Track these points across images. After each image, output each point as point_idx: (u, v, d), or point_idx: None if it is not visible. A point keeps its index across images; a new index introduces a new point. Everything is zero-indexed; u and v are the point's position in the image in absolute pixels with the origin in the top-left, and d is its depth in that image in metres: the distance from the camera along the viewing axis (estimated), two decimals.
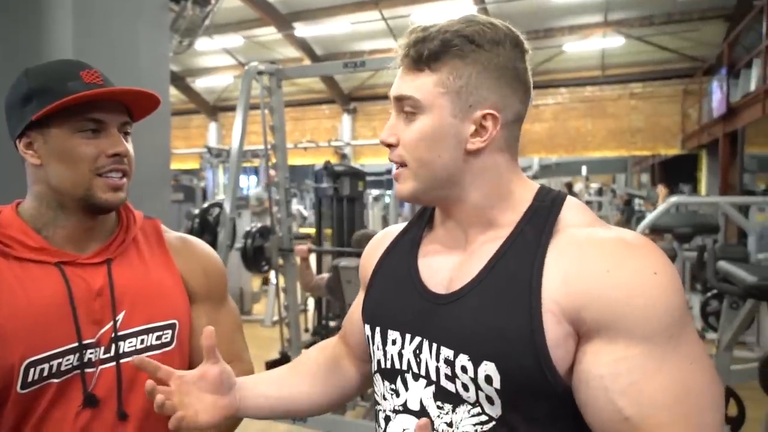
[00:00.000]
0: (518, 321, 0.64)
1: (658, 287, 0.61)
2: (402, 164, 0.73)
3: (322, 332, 5.21)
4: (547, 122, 12.71)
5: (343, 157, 12.52)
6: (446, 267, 0.76)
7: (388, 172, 10.13)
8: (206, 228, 3.65)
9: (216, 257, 1.07)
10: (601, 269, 0.63)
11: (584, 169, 12.05)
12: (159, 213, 2.07)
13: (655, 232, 5.19)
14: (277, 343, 3.85)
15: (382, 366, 0.79)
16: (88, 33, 1.68)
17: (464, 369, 0.67)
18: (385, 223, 9.38)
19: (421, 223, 0.85)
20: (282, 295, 3.40)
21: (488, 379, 0.66)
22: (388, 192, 10.72)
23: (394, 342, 0.77)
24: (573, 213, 0.71)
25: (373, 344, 0.81)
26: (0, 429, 0.80)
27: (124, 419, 0.86)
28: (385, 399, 0.78)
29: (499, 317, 0.66)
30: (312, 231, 6.81)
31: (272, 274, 5.80)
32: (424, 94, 0.70)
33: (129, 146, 0.87)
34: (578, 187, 12.14)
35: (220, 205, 3.30)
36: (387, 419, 0.77)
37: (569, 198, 0.73)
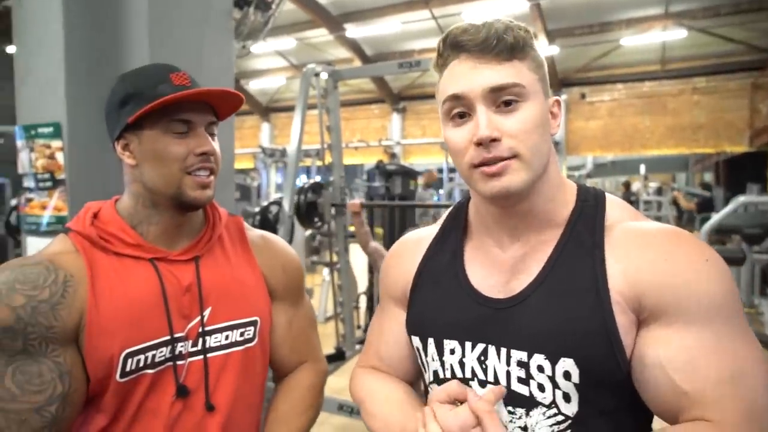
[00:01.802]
0: (591, 315, 0.66)
1: (712, 273, 0.64)
2: (510, 156, 0.68)
3: None
4: (602, 119, 12.30)
5: (393, 156, 12.57)
6: (498, 270, 0.76)
7: (438, 170, 10.11)
8: (266, 225, 3.76)
9: (295, 255, 1.09)
10: (658, 258, 0.66)
11: (642, 168, 11.59)
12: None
13: (722, 233, 4.94)
14: (330, 339, 3.93)
15: (441, 376, 0.77)
16: (162, 41, 1.77)
17: (541, 368, 0.68)
18: (435, 221, 9.33)
19: (457, 226, 0.83)
20: (337, 291, 3.46)
21: (567, 375, 0.67)
22: (439, 191, 10.69)
23: (452, 351, 0.76)
24: (616, 209, 0.74)
25: (427, 355, 0.79)
26: (101, 417, 0.84)
27: (212, 411, 0.89)
28: None
29: (570, 315, 0.67)
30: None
31: (325, 271, 5.90)
32: (527, 81, 0.69)
33: (215, 145, 0.90)
34: (636, 186, 11.68)
35: (279, 203, 3.38)
36: None
37: (609, 195, 0.76)
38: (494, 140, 0.68)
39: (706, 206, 8.75)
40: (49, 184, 1.71)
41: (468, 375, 0.74)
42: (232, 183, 2.15)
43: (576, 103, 12.37)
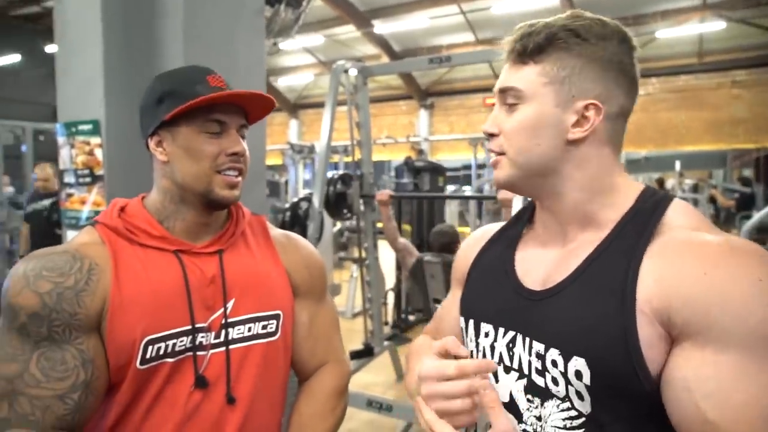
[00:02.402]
0: (610, 320, 0.64)
1: (759, 295, 0.58)
2: (500, 153, 0.75)
3: (401, 325, 5.29)
4: (635, 114, 11.48)
5: (420, 152, 12.53)
6: (543, 263, 0.77)
7: (465, 167, 10.04)
8: (296, 221, 3.80)
9: (317, 254, 1.10)
10: (697, 271, 0.61)
11: (677, 164, 11.27)
12: (256, 207, 2.19)
13: (764, 232, 4.77)
14: (358, 335, 3.95)
15: (474, 357, 0.81)
16: (196, 39, 1.80)
17: (554, 363, 0.68)
18: (462, 218, 9.29)
19: (521, 221, 0.86)
20: (366, 287, 3.47)
21: (578, 375, 0.66)
22: (465, 188, 10.61)
23: (486, 334, 0.79)
24: (679, 215, 0.69)
25: (467, 336, 0.83)
26: (118, 405, 0.84)
27: (232, 403, 0.89)
28: None
29: (592, 315, 0.66)
30: None
31: (353, 268, 5.94)
32: (526, 84, 0.72)
33: (245, 146, 0.91)
34: (670, 183, 11.36)
35: (309, 199, 3.41)
36: None
37: (676, 200, 0.71)
38: (492, 135, 0.76)
39: (747, 203, 8.35)
40: (88, 179, 1.76)
41: (496, 359, 0.77)
42: (263, 180, 2.18)
43: None
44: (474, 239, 0.94)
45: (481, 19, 11.43)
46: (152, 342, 0.83)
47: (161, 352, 0.84)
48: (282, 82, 15.89)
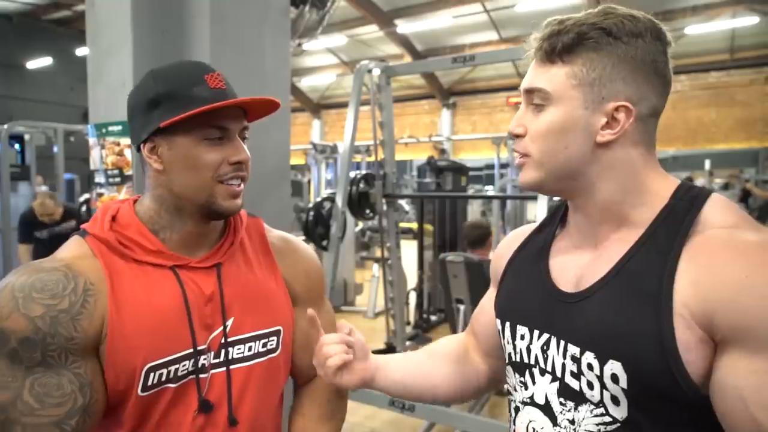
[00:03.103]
0: (646, 323, 0.63)
1: None
2: (526, 154, 0.74)
3: (423, 325, 5.28)
4: (663, 112, 11.74)
5: (443, 152, 12.48)
6: (576, 265, 0.75)
7: (487, 167, 9.96)
8: (320, 221, 3.83)
9: (316, 258, 1.06)
10: (739, 273, 0.59)
11: (707, 163, 10.99)
12: (280, 207, 2.21)
13: None
14: (379, 335, 3.95)
15: (513, 359, 0.81)
16: (222, 40, 1.82)
17: (590, 366, 0.67)
18: (484, 218, 9.22)
19: (555, 221, 0.85)
20: (388, 287, 3.47)
21: (614, 378, 0.65)
22: (488, 187, 10.53)
23: (522, 337, 0.79)
24: (716, 212, 0.66)
25: (504, 338, 0.83)
26: (120, 430, 0.82)
27: (234, 425, 0.86)
28: (516, 390, 0.80)
29: (627, 317, 0.65)
30: (413, 226, 6.88)
31: (375, 267, 5.95)
32: (554, 86, 0.70)
33: (248, 152, 0.86)
34: (700, 182, 11.09)
35: (332, 199, 3.43)
36: (516, 410, 0.79)
37: (714, 195, 0.69)
38: (518, 135, 0.74)
39: None
40: (118, 179, 1.80)
41: (532, 362, 0.77)
42: (287, 180, 2.19)
43: None
44: (509, 240, 0.93)
45: (505, 18, 11.32)
46: (154, 369, 0.79)
47: (163, 378, 0.81)
48: (305, 83, 16.00)
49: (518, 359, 0.79)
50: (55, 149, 6.07)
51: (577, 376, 0.69)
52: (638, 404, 0.64)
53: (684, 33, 10.50)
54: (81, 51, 12.71)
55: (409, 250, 3.94)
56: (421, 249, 5.29)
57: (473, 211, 10.10)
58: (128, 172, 1.78)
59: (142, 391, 0.79)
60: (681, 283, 0.62)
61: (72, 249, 0.82)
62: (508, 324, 0.82)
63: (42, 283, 0.75)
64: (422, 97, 15.22)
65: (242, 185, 0.86)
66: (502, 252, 0.92)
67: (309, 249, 1.07)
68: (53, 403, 0.74)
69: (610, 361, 0.65)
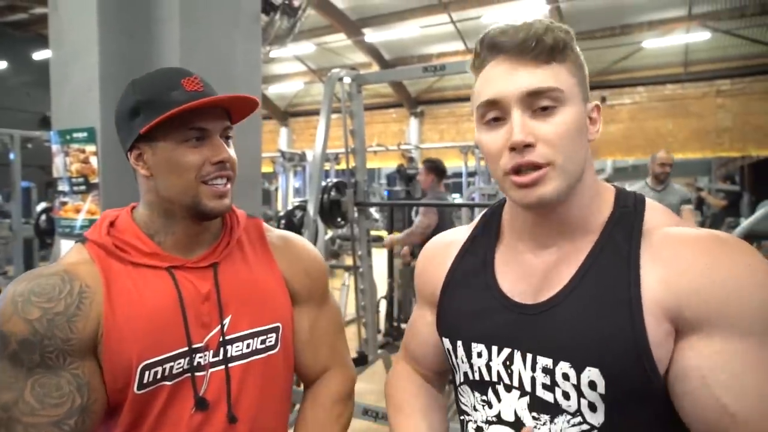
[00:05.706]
0: (620, 326, 0.64)
1: (758, 283, 0.60)
2: (545, 164, 0.66)
3: (393, 333, 5.26)
4: (623, 123, 12.16)
5: (411, 160, 12.56)
6: (530, 275, 0.74)
7: (455, 175, 10.08)
8: (291, 229, 3.80)
9: (318, 256, 1.05)
10: (700, 266, 0.62)
11: None
12: (252, 213, 2.18)
13: (751, 238, 4.82)
14: (351, 343, 3.91)
15: (471, 378, 0.78)
16: (193, 44, 1.79)
17: (566, 376, 0.67)
18: (453, 226, 9.30)
19: (490, 232, 0.82)
20: (360, 295, 3.46)
21: (592, 385, 0.65)
22: (454, 195, 10.64)
23: (480, 354, 0.76)
24: (657, 215, 0.71)
25: (456, 357, 0.79)
26: (118, 429, 0.82)
27: (234, 423, 0.87)
28: (476, 410, 0.77)
29: (600, 323, 0.66)
30: (383, 234, 6.88)
31: (345, 276, 5.92)
32: (565, 85, 0.67)
33: (231, 151, 0.87)
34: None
35: (303, 207, 3.40)
36: (479, 429, 0.76)
37: (648, 200, 0.73)
38: (528, 145, 0.65)
39: (736, 202, 8.50)
40: (83, 188, 1.74)
41: (494, 378, 0.74)
42: (258, 186, 2.16)
43: None
44: (433, 254, 0.88)
45: (471, 28, 11.51)
46: (148, 367, 0.81)
47: (158, 376, 0.82)
48: (272, 90, 15.87)
49: (477, 377, 0.76)
50: (12, 156, 5.83)
51: (550, 388, 0.68)
52: (615, 408, 0.65)
53: (641, 47, 10.91)
54: (39, 55, 12.29)
55: (379, 258, 3.93)
56: (391, 257, 5.30)
57: None
58: (94, 180, 1.71)
59: (138, 389, 0.81)
60: (648, 283, 0.64)
61: (72, 255, 0.85)
62: (460, 343, 0.78)
63: (40, 287, 0.78)
64: (390, 106, 15.30)
65: (228, 185, 0.86)
66: (430, 269, 0.87)
67: (311, 247, 1.06)
68: (52, 403, 0.76)
69: (587, 368, 0.65)
